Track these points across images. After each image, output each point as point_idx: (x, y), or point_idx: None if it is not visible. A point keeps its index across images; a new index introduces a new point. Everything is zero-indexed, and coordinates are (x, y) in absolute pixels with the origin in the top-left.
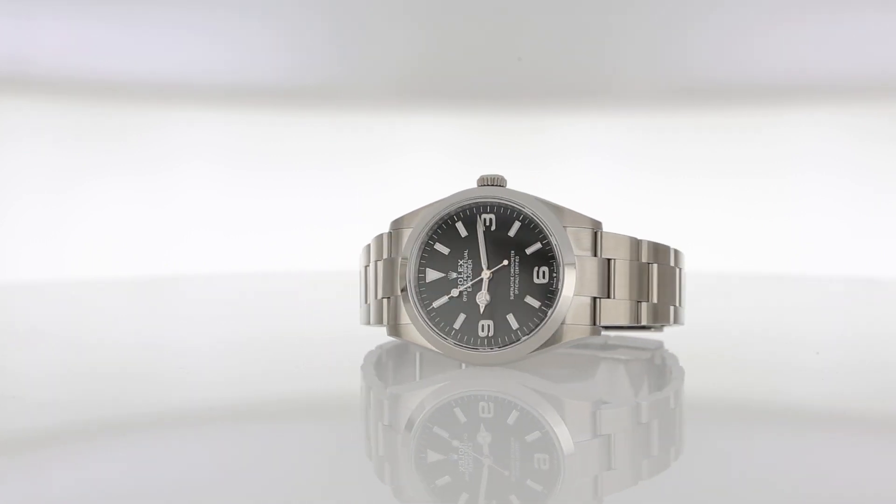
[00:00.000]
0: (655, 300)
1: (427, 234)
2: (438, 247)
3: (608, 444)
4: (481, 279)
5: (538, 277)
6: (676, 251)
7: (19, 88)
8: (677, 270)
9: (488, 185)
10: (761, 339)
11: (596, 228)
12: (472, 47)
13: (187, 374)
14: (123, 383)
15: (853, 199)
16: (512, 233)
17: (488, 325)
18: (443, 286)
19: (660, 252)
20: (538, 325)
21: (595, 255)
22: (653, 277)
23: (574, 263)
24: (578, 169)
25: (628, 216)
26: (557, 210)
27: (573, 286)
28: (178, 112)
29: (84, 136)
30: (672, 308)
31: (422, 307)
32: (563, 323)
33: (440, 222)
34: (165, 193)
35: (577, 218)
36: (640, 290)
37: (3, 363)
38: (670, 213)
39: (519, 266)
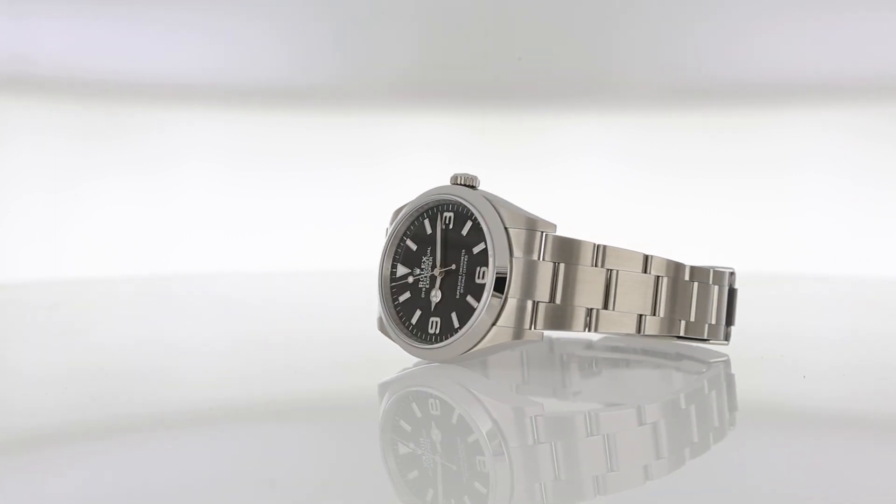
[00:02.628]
0: (613, 308)
1: (401, 230)
2: (409, 243)
3: (551, 452)
4: (434, 276)
5: (479, 278)
6: (653, 258)
7: (20, 88)
8: (655, 279)
9: (458, 184)
10: (760, 338)
11: (544, 231)
12: (472, 48)
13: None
14: (123, 383)
15: (853, 198)
16: (464, 232)
17: (436, 322)
18: (408, 282)
19: (624, 258)
20: (470, 324)
21: (538, 258)
22: (612, 284)
23: (507, 266)
24: (578, 169)
25: (628, 216)
26: (508, 211)
27: (504, 289)
28: (178, 112)
29: (84, 136)
30: (642, 318)
31: (390, 302)
32: (495, 325)
33: (413, 219)
34: (166, 193)
35: (525, 220)
36: (591, 297)
37: (3, 362)
38: (670, 213)
39: (466, 265)
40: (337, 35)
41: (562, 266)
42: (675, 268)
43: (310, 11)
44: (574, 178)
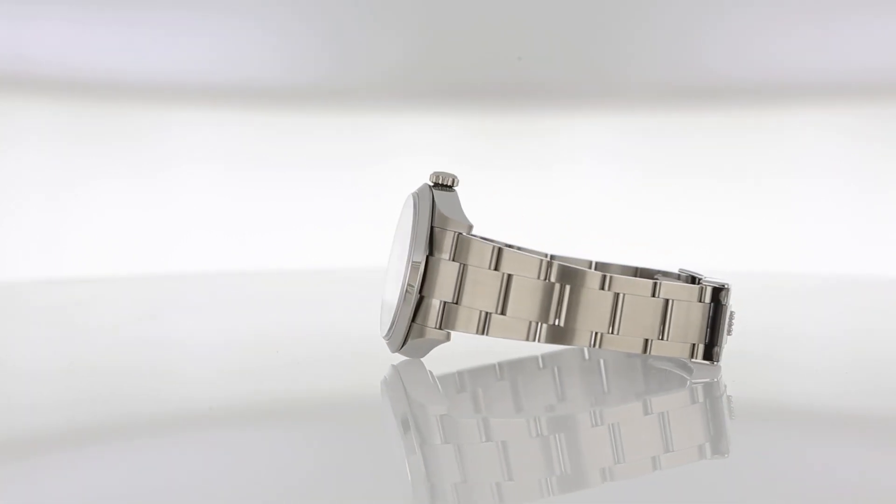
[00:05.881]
0: (493, 309)
1: (401, 224)
2: (402, 236)
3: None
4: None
5: None
6: (553, 263)
7: (20, 89)
8: (549, 285)
9: (434, 182)
10: (761, 339)
11: (459, 231)
12: (472, 48)
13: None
14: (122, 382)
15: (852, 199)
16: None
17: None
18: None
19: (522, 263)
20: (394, 320)
21: (450, 258)
22: (510, 289)
23: (420, 262)
24: (579, 170)
25: (628, 218)
26: (440, 212)
27: (416, 286)
28: (177, 113)
29: (85, 137)
30: (535, 325)
31: (386, 293)
32: (414, 321)
33: (406, 214)
34: (166, 195)
35: (448, 220)
36: (489, 301)
37: (5, 361)
38: (670, 214)
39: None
40: (338, 36)
41: (466, 268)
42: (574, 274)
43: (310, 12)
44: (575, 179)
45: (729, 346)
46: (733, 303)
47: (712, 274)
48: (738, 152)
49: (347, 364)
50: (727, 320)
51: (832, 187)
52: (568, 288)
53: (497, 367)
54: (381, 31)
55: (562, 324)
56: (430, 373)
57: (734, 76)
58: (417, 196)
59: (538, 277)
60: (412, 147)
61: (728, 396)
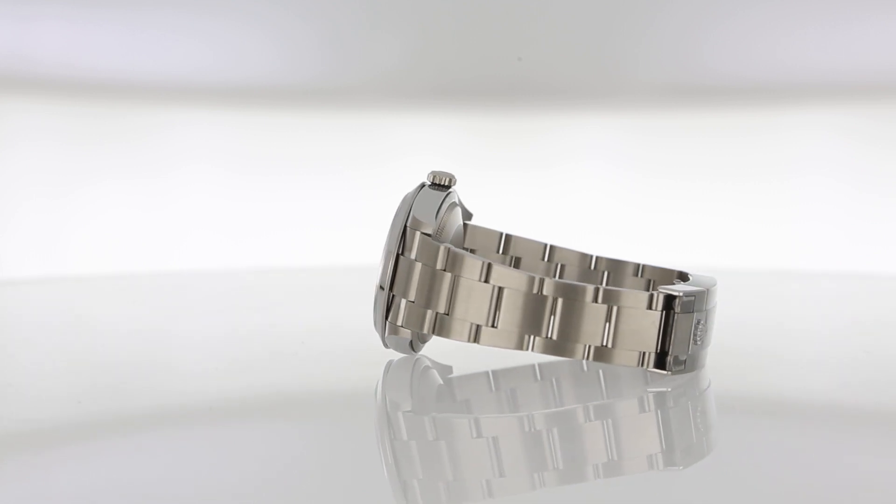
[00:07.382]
0: (442, 310)
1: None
2: None
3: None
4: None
5: None
6: (494, 267)
7: (20, 89)
8: (492, 288)
9: (430, 181)
10: (753, 338)
11: (426, 232)
12: (472, 48)
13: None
14: (124, 380)
15: (852, 199)
16: None
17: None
18: None
19: (466, 266)
20: (374, 317)
21: (415, 259)
22: (457, 290)
23: (390, 263)
24: (578, 172)
25: (627, 219)
26: (414, 214)
27: (388, 282)
28: (178, 114)
29: (86, 137)
30: (476, 328)
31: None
32: (388, 320)
33: None
34: (166, 194)
35: (418, 222)
36: (428, 299)
37: (8, 360)
38: (671, 215)
39: None
40: (337, 35)
41: (423, 268)
42: (527, 280)
43: (311, 12)
44: (576, 181)
45: (728, 345)
46: (720, 304)
47: (715, 275)
48: (738, 152)
49: (346, 362)
50: (691, 329)
51: (832, 187)
52: (505, 291)
53: (537, 367)
54: (382, 30)
55: (498, 326)
56: (425, 369)
57: (735, 76)
58: (407, 195)
59: (479, 280)
60: (412, 147)
61: (696, 408)
